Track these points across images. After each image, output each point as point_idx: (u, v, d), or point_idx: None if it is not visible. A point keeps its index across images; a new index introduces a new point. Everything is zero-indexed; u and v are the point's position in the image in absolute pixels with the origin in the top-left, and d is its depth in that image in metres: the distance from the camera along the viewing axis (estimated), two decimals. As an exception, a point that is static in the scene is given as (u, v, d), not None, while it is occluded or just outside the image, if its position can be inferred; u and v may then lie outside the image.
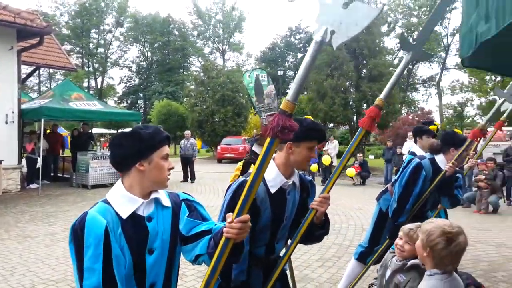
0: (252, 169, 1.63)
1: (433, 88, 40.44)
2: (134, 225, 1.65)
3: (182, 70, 52.01)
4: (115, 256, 1.59)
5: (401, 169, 4.06)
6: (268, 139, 1.42)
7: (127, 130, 1.91)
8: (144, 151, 1.67)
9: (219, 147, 23.77)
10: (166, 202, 1.77)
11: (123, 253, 1.62)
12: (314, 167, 14.75)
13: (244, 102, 27.74)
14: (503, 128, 17.95)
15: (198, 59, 52.57)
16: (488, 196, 9.18)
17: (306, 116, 2.25)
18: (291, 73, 46.53)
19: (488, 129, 4.57)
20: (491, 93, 30.16)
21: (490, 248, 6.43)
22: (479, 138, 4.17)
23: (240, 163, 3.46)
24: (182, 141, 14.89)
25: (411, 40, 1.84)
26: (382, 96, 1.70)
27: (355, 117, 21.99)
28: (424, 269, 2.01)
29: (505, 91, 3.90)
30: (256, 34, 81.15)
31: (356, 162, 15.02)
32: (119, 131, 2.62)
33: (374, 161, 21.96)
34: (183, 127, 27.62)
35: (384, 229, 4.05)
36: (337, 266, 5.41)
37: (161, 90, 45.78)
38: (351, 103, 20.63)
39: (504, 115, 4.15)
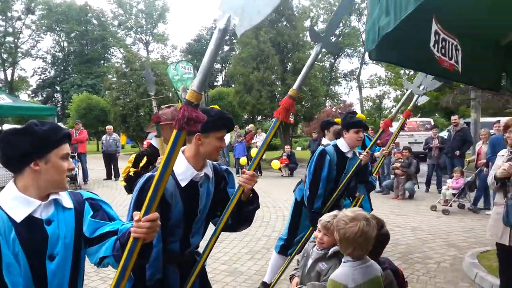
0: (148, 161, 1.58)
1: (354, 82, 42.63)
2: (31, 229, 1.51)
3: (102, 61, 49.31)
4: (6, 264, 1.46)
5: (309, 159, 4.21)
6: (175, 131, 1.37)
7: (19, 126, 1.69)
8: (39, 149, 1.52)
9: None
10: (68, 203, 1.62)
11: (17, 261, 1.48)
12: (243, 160, 14.76)
13: (170, 95, 27.00)
14: (417, 119, 19.63)
15: (119, 50, 50.10)
16: (404, 183, 9.80)
17: (213, 107, 2.20)
18: (218, 65, 46.25)
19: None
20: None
21: (407, 231, 6.85)
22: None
23: (133, 156, 3.30)
24: (104, 137, 14.18)
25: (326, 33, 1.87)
26: (295, 87, 1.76)
27: (281, 110, 22.42)
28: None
29: (413, 83, 4.17)
30: (181, 25, 79.53)
31: (284, 154, 15.30)
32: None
33: (301, 153, 22.66)
34: (105, 121, 26.29)
35: (301, 218, 4.12)
36: (266, 257, 5.41)
37: (80, 83, 43.01)
38: (277, 95, 20.95)
39: (411, 105, 4.46)
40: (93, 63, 47.12)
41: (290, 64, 21.87)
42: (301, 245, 3.91)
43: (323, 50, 1.67)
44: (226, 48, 45.07)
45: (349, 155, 3.84)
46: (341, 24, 35.93)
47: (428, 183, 10.77)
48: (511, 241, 3.47)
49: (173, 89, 29.51)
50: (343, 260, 2.00)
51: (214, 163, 2.27)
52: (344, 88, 58.77)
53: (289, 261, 3.96)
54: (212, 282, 2.70)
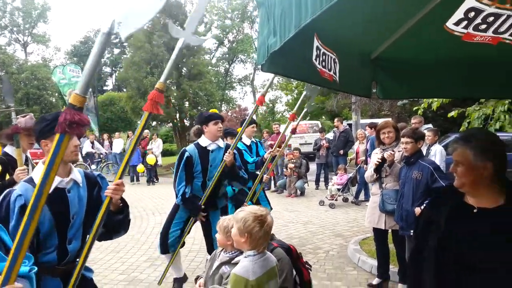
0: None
1: (248, 87, 43.94)
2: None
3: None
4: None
5: None
6: (57, 135, 1.37)
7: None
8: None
9: (28, 152, 20.70)
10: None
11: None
12: (140, 168, 14.28)
13: (54, 100, 24.88)
14: (306, 122, 20.99)
15: (-9, 51, 44.50)
16: (296, 181, 10.49)
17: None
18: (108, 69, 43.84)
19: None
20: (296, 91, 34.59)
21: (300, 226, 7.39)
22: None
23: None
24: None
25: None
26: (162, 79, 1.79)
27: (177, 115, 22.17)
28: None
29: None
30: (66, 26, 73.38)
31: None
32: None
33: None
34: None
35: (176, 213, 4.26)
36: (166, 263, 5.39)
37: None
38: (173, 101, 20.69)
39: (294, 109, 4.92)
40: None
41: (185, 69, 21.76)
42: (180, 236, 4.17)
43: (192, 45, 1.77)
44: (116, 51, 42.97)
45: (211, 147, 4.11)
46: (234, 31, 36.73)
47: (317, 181, 11.63)
48: (386, 225, 4.03)
49: (56, 94, 27.19)
50: (244, 255, 2.11)
51: (88, 171, 2.32)
52: (239, 93, 60.50)
53: (175, 254, 4.21)
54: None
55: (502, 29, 1.98)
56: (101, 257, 5.82)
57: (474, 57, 2.45)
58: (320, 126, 18.54)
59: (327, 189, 10.04)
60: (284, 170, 10.83)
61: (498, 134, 9.13)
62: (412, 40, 2.27)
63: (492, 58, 2.49)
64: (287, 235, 6.71)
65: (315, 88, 4.09)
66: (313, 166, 11.98)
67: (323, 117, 33.26)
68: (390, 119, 4.48)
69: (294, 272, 2.54)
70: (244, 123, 4.19)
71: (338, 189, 9.22)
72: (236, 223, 2.10)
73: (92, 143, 16.75)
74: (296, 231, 7.00)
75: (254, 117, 5.25)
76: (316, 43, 1.63)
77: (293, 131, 5.10)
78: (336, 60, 1.83)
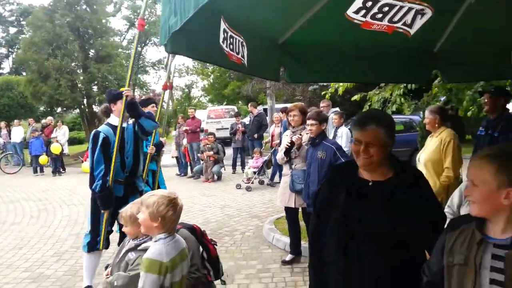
0: None
1: (162, 71, 42.58)
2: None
3: None
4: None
5: None
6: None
7: None
8: None
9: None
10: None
11: None
12: (43, 159, 13.19)
13: None
14: (222, 107, 20.95)
15: None
16: (212, 166, 10.52)
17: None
18: (3, 50, 39.36)
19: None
20: (212, 76, 34.35)
21: (217, 210, 7.46)
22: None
23: None
24: None
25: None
26: None
27: (85, 100, 20.79)
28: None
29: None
30: None
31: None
32: None
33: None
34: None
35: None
36: (75, 257, 5.12)
37: None
38: (79, 85, 19.32)
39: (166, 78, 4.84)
40: None
41: (92, 51, 20.40)
42: (105, 234, 3.93)
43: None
44: (12, 30, 38.69)
45: (124, 125, 3.96)
46: (146, 13, 35.21)
47: (234, 165, 11.77)
48: (296, 204, 4.24)
49: None
50: (153, 239, 2.10)
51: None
52: (153, 77, 58.38)
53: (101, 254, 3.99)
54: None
55: (396, 18, 2.17)
56: (1, 255, 5.34)
57: (373, 45, 2.65)
58: (236, 111, 18.72)
59: (243, 172, 10.23)
60: (200, 154, 10.78)
61: (396, 116, 9.92)
62: (317, 26, 2.38)
63: (389, 46, 2.72)
64: (204, 220, 6.74)
65: None
66: (229, 151, 12.09)
67: (240, 102, 33.62)
68: (302, 103, 4.65)
69: (201, 249, 2.62)
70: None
71: (254, 172, 9.44)
72: (147, 208, 2.06)
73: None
74: (213, 215, 7.06)
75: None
76: (223, 25, 1.64)
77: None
78: (244, 44, 1.87)
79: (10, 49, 38.63)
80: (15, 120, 16.89)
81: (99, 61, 19.70)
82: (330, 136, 5.76)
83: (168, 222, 2.04)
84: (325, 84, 5.58)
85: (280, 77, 2.53)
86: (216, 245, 2.88)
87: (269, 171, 9.73)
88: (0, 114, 21.57)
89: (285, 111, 8.44)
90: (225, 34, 1.68)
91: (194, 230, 2.63)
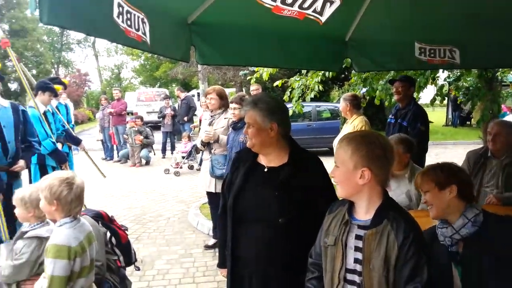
0: None
1: (89, 49, 40.21)
2: None
3: None
4: None
5: None
6: None
7: None
8: None
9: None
10: None
11: None
12: None
13: None
14: (153, 89, 20.30)
15: None
16: (140, 151, 10.18)
17: None
18: None
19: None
20: (143, 57, 33.02)
21: (141, 195, 7.25)
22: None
23: None
24: None
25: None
26: None
27: (-1, 78, 19.08)
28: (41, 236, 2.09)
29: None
30: None
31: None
32: None
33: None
34: None
35: None
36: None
37: None
38: (-9, 60, 17.63)
39: None
40: None
41: (4, 23, 18.61)
42: None
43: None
44: None
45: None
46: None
47: (163, 150, 11.48)
48: (216, 189, 4.23)
49: None
50: (57, 224, 1.99)
51: None
52: (79, 56, 54.90)
53: None
54: None
55: (306, 5, 2.18)
56: None
57: (286, 30, 2.65)
58: (167, 94, 18.25)
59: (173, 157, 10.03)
60: (125, 136, 10.35)
61: (324, 104, 10.29)
62: (228, 7, 2.33)
63: (302, 33, 2.74)
64: (127, 205, 6.53)
65: None
66: (158, 135, 11.78)
67: (173, 85, 32.82)
68: (220, 86, 4.57)
69: (109, 234, 2.54)
70: None
71: (183, 157, 9.28)
72: (42, 193, 1.95)
73: None
74: (137, 201, 6.85)
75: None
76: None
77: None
78: (146, 20, 1.76)
79: None
80: None
81: (12, 35, 18.03)
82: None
83: (66, 204, 1.94)
84: (255, 69, 5.58)
85: (190, 58, 2.45)
86: (127, 231, 2.79)
87: (199, 156, 9.61)
88: None
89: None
90: (121, 9, 1.56)
91: (100, 215, 2.52)
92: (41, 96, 4.60)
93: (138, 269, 3.09)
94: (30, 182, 4.36)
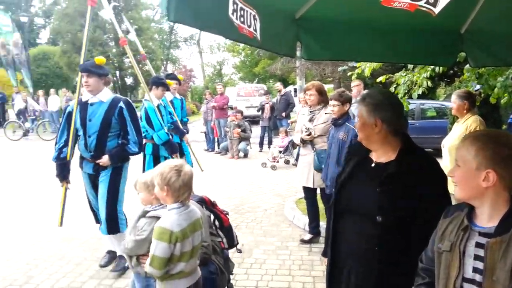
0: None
1: (194, 47, 42.73)
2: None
3: None
4: None
5: None
6: None
7: None
8: None
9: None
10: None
11: None
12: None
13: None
14: (252, 85, 20.87)
15: None
16: (238, 143, 10.57)
17: None
18: (40, 20, 40.46)
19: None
20: (243, 53, 34.16)
21: (240, 186, 7.54)
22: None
23: None
24: None
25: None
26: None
27: (117, 73, 21.22)
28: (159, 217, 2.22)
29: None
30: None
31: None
32: None
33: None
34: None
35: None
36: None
37: None
38: (111, 57, 19.68)
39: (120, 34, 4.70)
40: None
41: (123, 24, 20.65)
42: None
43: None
44: (48, 0, 39.61)
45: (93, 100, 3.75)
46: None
47: (261, 144, 11.77)
48: (314, 184, 4.21)
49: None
50: (167, 208, 2.15)
51: None
52: (185, 53, 58.77)
53: None
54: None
55: (417, -5, 2.05)
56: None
57: (395, 23, 2.52)
58: (266, 89, 18.63)
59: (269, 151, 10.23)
60: (226, 129, 10.83)
61: (429, 102, 9.62)
62: (335, 2, 2.29)
63: (412, 26, 2.59)
64: (227, 195, 6.83)
65: None
66: (257, 129, 12.10)
67: (271, 80, 33.40)
68: (319, 82, 4.52)
69: (213, 217, 2.71)
70: None
71: (280, 151, 9.42)
72: (155, 179, 2.12)
73: (25, 99, 15.74)
74: (236, 191, 7.14)
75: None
76: (233, -4, 1.60)
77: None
78: (257, 17, 1.82)
79: (46, 20, 39.63)
80: (51, 89, 17.48)
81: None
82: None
83: (175, 189, 2.08)
84: (355, 64, 5.41)
85: (297, 54, 2.47)
86: (228, 215, 2.94)
87: (295, 151, 9.68)
88: (37, 83, 22.30)
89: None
90: (235, 6, 1.64)
91: (203, 200, 2.68)
92: (154, 90, 4.98)
93: (239, 251, 3.25)
94: (144, 171, 4.77)
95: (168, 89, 5.41)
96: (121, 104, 3.74)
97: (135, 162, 4.23)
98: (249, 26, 1.78)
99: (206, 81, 38.07)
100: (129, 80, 21.69)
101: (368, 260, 1.73)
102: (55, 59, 22.47)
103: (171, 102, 6.02)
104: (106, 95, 3.77)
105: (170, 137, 4.83)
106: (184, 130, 5.84)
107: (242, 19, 1.71)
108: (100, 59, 3.74)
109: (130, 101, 3.93)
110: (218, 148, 11.56)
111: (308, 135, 4.22)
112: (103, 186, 3.74)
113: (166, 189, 2.08)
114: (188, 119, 7.10)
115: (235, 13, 1.67)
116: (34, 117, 15.93)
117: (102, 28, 19.20)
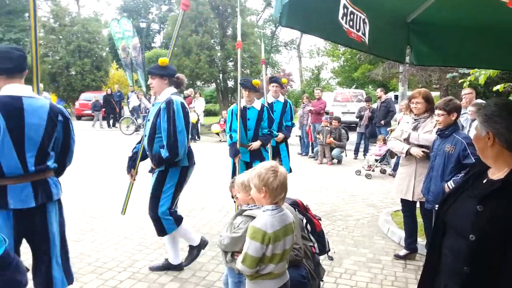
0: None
1: (294, 51, 43.09)
2: None
3: (27, 14, 45.12)
4: None
5: None
6: None
7: None
8: None
9: (77, 103, 21.97)
10: None
11: None
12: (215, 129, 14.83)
13: (104, 54, 25.69)
14: (350, 90, 20.42)
15: (46, 3, 46.04)
16: (330, 149, 10.39)
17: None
18: (156, 26, 44.31)
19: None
20: (342, 58, 33.54)
21: (332, 192, 7.40)
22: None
23: None
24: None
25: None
26: None
27: (221, 75, 22.30)
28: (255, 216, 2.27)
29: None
30: (118, -20, 74.03)
31: (221, 119, 15.43)
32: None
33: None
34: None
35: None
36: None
37: (2, 37, 39.28)
38: (216, 60, 20.73)
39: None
40: (15, 15, 42.90)
41: (230, 29, 21.63)
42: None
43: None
44: (164, 8, 43.20)
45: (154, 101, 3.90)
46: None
47: (356, 151, 11.44)
48: (414, 197, 3.96)
49: (107, 49, 27.92)
50: (262, 209, 2.19)
51: None
52: (285, 57, 59.53)
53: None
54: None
55: (556, -5, 1.82)
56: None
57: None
58: (364, 95, 18.04)
59: (365, 159, 9.90)
60: (317, 135, 10.71)
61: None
62: (452, 3, 2.13)
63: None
64: (318, 201, 6.76)
65: None
66: (353, 135, 11.79)
67: (370, 86, 32.26)
68: (426, 89, 4.21)
69: (305, 221, 2.69)
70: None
71: (376, 160, 9.06)
72: (252, 182, 2.17)
73: (140, 98, 17.34)
74: (327, 198, 7.03)
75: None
76: (343, 1, 1.57)
77: None
78: (366, 21, 1.77)
79: (161, 25, 43.32)
80: (161, 90, 18.98)
81: (235, 38, 20.84)
82: (466, 130, 5.15)
83: (273, 190, 2.10)
84: (466, 71, 4.97)
85: (406, 59, 2.35)
86: (321, 221, 2.90)
87: (393, 160, 9.23)
88: (149, 83, 24.38)
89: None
90: (345, 10, 1.61)
91: (296, 203, 2.69)
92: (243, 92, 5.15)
93: (331, 258, 3.19)
94: (234, 174, 5.05)
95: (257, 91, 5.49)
96: (163, 104, 3.54)
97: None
98: (358, 30, 1.74)
99: (303, 85, 38.12)
100: (230, 83, 22.70)
101: (463, 280, 1.60)
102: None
103: (271, 104, 6.11)
104: (164, 95, 3.65)
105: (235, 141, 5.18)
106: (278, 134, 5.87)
107: (351, 23, 1.69)
108: (163, 60, 3.69)
109: (177, 101, 3.58)
110: (312, 152, 11.50)
111: (424, 152, 3.96)
112: (150, 188, 3.79)
113: (264, 190, 2.11)
114: (294, 125, 6.76)
115: (344, 17, 1.65)
116: (145, 114, 17.50)
117: (210, 33, 20.33)
